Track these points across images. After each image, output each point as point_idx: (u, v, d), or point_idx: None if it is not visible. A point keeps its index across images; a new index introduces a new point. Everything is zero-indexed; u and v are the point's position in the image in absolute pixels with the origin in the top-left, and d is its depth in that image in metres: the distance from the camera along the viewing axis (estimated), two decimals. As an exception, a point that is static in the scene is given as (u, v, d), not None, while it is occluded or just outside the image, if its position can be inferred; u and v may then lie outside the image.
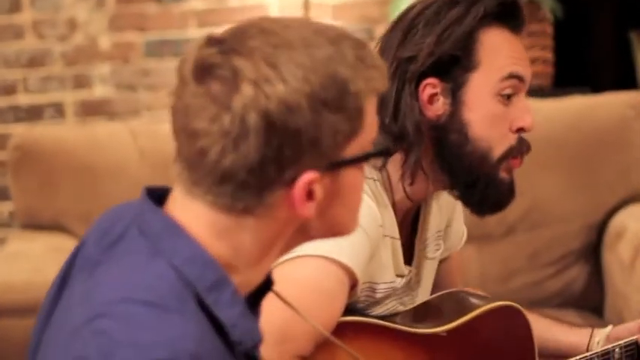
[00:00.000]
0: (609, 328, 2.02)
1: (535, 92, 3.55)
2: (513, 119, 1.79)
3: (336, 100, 1.17)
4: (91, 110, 3.86)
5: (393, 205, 1.83)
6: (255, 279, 1.27)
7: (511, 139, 1.79)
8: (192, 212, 1.21)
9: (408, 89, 1.77)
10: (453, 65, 1.77)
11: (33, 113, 3.83)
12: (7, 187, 3.49)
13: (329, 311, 1.71)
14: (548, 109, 3.29)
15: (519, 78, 1.79)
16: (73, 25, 3.83)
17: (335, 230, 1.26)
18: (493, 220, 3.23)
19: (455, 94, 1.77)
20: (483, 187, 1.79)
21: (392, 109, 1.77)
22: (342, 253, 1.71)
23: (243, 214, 1.19)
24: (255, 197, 1.18)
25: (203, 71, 1.17)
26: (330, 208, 1.22)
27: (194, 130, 1.17)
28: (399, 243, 1.84)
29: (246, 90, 1.15)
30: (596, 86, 3.67)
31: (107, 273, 1.22)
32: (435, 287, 2.00)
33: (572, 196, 3.25)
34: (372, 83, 1.21)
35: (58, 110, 3.85)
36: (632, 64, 3.82)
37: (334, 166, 1.20)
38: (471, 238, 3.29)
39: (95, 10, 3.84)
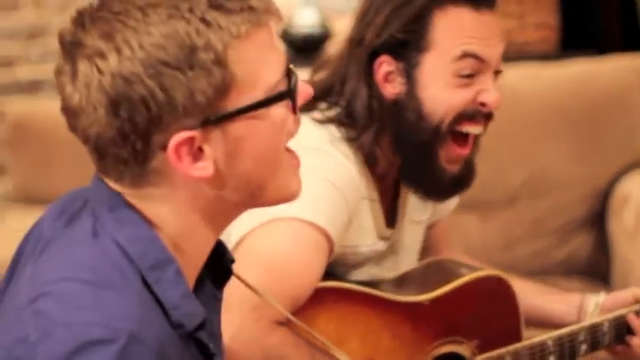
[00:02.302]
0: (602, 296, 1.98)
1: (539, 57, 3.51)
2: (477, 94, 1.75)
3: (181, 60, 1.12)
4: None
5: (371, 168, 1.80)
6: (198, 255, 1.24)
7: (468, 106, 1.75)
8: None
9: (356, 72, 1.74)
10: (405, 46, 1.73)
11: (32, 87, 3.80)
12: (4, 163, 3.47)
13: (305, 278, 1.67)
14: (549, 75, 3.23)
15: (476, 57, 1.73)
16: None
17: (257, 191, 1.21)
18: (495, 189, 3.19)
19: (409, 73, 1.74)
20: (428, 176, 1.78)
21: (343, 92, 1.76)
22: (318, 215, 1.68)
23: (139, 186, 1.18)
24: (138, 168, 1.16)
25: (62, 49, 1.16)
26: (235, 166, 1.18)
27: (67, 107, 1.17)
28: (378, 205, 1.81)
29: (83, 67, 1.13)
30: (604, 49, 3.60)
31: (55, 252, 1.21)
32: (423, 254, 1.97)
33: (575, 163, 3.19)
34: (234, 29, 1.14)
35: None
36: (639, 26, 3.75)
37: (215, 122, 1.15)
38: (473, 207, 3.28)
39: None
